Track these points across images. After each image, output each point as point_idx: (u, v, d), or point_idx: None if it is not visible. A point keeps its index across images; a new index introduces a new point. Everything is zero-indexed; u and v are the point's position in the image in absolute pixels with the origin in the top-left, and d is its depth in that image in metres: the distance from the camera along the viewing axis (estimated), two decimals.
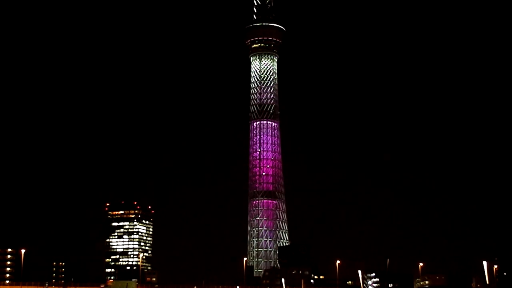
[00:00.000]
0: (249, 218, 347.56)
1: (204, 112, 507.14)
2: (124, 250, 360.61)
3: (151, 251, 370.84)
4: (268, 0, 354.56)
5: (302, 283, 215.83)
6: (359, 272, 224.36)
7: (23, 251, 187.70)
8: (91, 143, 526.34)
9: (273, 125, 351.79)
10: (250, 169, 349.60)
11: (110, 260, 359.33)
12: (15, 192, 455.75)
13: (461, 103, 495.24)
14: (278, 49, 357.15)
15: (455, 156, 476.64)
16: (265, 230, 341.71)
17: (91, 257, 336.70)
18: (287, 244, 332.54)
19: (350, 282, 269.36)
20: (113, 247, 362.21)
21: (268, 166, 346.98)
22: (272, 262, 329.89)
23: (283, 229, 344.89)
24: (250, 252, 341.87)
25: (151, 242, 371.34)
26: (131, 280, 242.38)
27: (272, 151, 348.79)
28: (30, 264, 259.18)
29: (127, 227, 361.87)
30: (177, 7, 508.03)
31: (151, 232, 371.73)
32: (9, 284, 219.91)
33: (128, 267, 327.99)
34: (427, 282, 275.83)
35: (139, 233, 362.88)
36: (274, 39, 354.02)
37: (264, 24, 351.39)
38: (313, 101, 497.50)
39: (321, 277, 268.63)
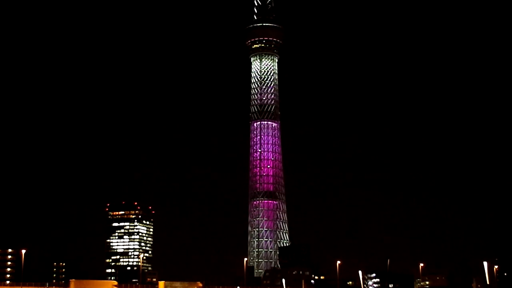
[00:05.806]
0: (249, 218, 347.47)
1: (204, 113, 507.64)
2: (125, 250, 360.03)
3: (151, 252, 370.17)
4: (269, 1, 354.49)
5: (303, 283, 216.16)
6: (360, 272, 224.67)
7: (23, 251, 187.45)
8: (91, 143, 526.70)
9: (273, 125, 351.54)
10: (250, 169, 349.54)
11: (110, 260, 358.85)
12: (15, 192, 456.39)
13: (461, 103, 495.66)
14: (278, 49, 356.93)
15: (456, 156, 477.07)
16: (266, 231, 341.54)
17: (91, 257, 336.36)
18: (287, 244, 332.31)
19: (350, 282, 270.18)
20: (113, 247, 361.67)
21: (268, 166, 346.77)
22: (273, 262, 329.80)
23: (284, 230, 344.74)
24: (251, 253, 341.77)
25: (151, 243, 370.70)
26: (131, 280, 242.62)
27: (272, 152, 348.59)
28: (31, 264, 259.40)
29: (127, 227, 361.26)
30: (177, 7, 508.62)
31: (151, 233, 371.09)
32: (9, 285, 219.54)
33: (129, 268, 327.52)
34: (427, 282, 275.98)
35: (140, 234, 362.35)
36: (274, 39, 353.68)
37: (264, 24, 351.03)
38: (314, 102, 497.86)
39: (321, 277, 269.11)
